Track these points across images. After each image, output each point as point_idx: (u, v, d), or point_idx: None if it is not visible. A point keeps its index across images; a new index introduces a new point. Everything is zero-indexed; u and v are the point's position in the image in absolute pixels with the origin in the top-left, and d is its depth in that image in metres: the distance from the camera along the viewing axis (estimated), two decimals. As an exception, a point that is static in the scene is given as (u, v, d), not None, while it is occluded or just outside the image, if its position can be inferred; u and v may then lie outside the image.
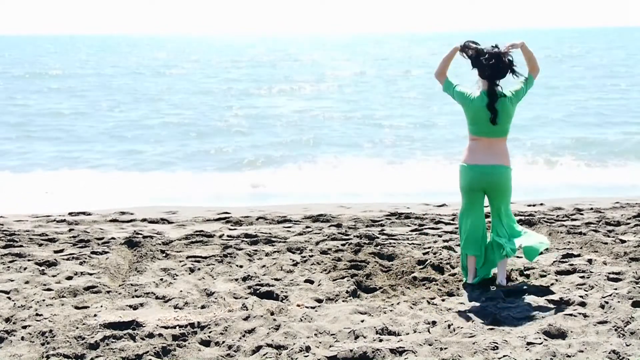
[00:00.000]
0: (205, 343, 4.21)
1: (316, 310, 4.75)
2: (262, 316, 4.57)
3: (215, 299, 5.02)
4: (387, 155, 14.97)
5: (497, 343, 4.05)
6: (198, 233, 7.50)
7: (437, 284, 5.38)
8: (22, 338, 4.22)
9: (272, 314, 4.65)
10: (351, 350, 3.95)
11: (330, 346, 4.08)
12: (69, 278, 5.62)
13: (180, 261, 6.21)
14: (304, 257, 6.24)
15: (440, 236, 7.22)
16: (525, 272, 5.66)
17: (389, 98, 26.45)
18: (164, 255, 6.43)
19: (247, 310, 4.70)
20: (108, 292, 5.24)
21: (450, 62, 5.27)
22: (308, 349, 4.01)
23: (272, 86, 31.72)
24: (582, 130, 17.89)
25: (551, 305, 4.80)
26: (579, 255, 6.18)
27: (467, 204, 5.33)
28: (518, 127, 15.93)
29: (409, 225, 7.91)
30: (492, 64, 5.00)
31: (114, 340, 4.12)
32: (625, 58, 51.40)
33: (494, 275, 5.44)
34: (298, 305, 4.87)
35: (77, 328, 4.34)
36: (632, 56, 53.53)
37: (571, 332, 4.28)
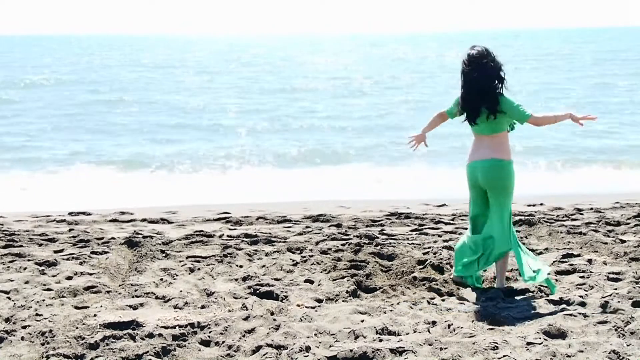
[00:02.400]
0: (205, 343, 4.21)
1: (316, 310, 4.75)
2: (262, 316, 4.56)
3: (215, 299, 5.02)
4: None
5: (497, 343, 4.05)
6: (198, 233, 7.49)
7: (437, 284, 5.38)
8: (22, 338, 4.21)
9: (272, 314, 4.65)
10: (351, 350, 3.94)
11: (330, 346, 4.08)
12: (69, 278, 5.62)
13: (180, 261, 6.21)
14: (304, 257, 6.24)
15: (440, 236, 7.22)
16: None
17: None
18: (164, 255, 6.43)
19: (247, 310, 4.70)
20: (108, 292, 5.23)
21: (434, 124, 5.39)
22: (308, 349, 4.01)
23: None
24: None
25: (551, 305, 4.80)
26: (579, 255, 6.18)
27: (470, 199, 5.39)
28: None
29: (409, 225, 7.91)
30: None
31: (113, 340, 4.12)
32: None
33: (492, 277, 5.44)
34: (298, 305, 4.87)
35: (77, 328, 4.34)
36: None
37: (571, 332, 4.28)
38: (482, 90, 5.01)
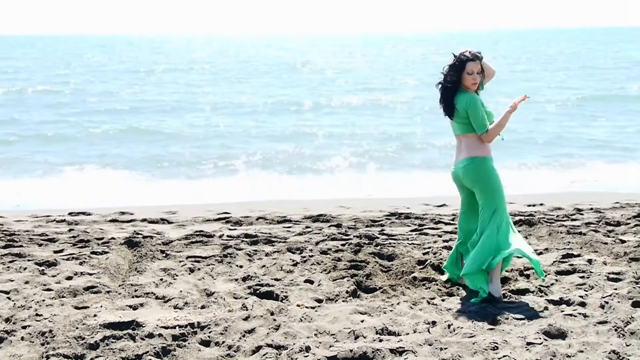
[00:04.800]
0: (205, 343, 4.21)
1: (316, 310, 4.75)
2: (262, 316, 4.57)
3: (215, 299, 5.02)
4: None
5: (497, 343, 4.05)
6: (198, 233, 7.49)
7: (437, 284, 5.38)
8: (22, 338, 4.22)
9: (272, 314, 4.65)
10: (351, 350, 3.95)
11: (330, 346, 4.08)
12: (69, 278, 5.62)
13: (180, 261, 6.21)
14: (304, 257, 6.24)
15: (440, 236, 7.22)
16: (525, 272, 5.66)
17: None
18: (164, 255, 6.43)
19: (247, 310, 4.70)
20: (108, 292, 5.24)
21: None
22: (308, 349, 4.01)
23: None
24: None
25: (551, 305, 4.80)
26: (579, 255, 6.18)
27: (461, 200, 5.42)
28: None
29: (409, 225, 7.91)
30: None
31: (113, 340, 4.12)
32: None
33: None
34: (298, 305, 4.87)
35: (77, 328, 4.34)
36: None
37: (571, 332, 4.28)
38: (441, 87, 5.09)
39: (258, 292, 5.21)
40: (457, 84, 5.02)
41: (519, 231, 7.35)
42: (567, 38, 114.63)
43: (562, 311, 4.64)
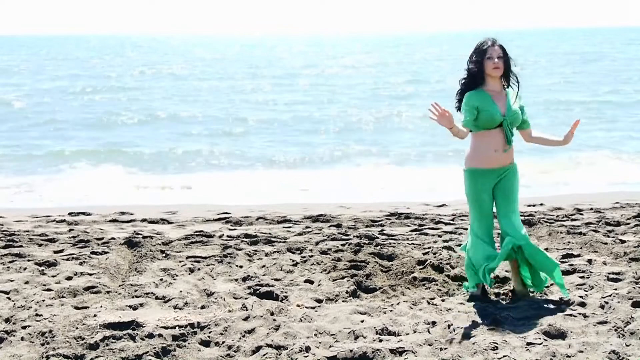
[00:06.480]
0: (205, 343, 4.21)
1: (316, 311, 4.75)
2: (262, 316, 4.57)
3: (215, 299, 5.02)
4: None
5: (497, 343, 4.05)
6: (198, 233, 7.50)
7: (437, 284, 5.38)
8: (22, 338, 4.22)
9: (272, 314, 4.65)
10: (351, 351, 3.95)
11: (330, 346, 4.08)
12: (69, 278, 5.62)
13: (180, 261, 6.21)
14: (304, 257, 6.24)
15: (440, 236, 7.22)
16: (525, 272, 5.66)
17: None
18: (164, 255, 6.43)
19: (247, 310, 4.70)
20: (108, 292, 5.24)
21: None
22: (308, 349, 4.01)
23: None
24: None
25: (551, 305, 4.80)
26: (579, 255, 6.18)
27: None
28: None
29: (409, 225, 7.91)
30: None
31: (113, 341, 4.12)
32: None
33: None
34: (298, 306, 4.87)
35: (77, 328, 4.34)
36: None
37: (571, 332, 4.28)
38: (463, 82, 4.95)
39: (258, 292, 5.21)
40: (480, 75, 4.80)
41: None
42: (568, 38, 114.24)
43: (562, 311, 4.64)
